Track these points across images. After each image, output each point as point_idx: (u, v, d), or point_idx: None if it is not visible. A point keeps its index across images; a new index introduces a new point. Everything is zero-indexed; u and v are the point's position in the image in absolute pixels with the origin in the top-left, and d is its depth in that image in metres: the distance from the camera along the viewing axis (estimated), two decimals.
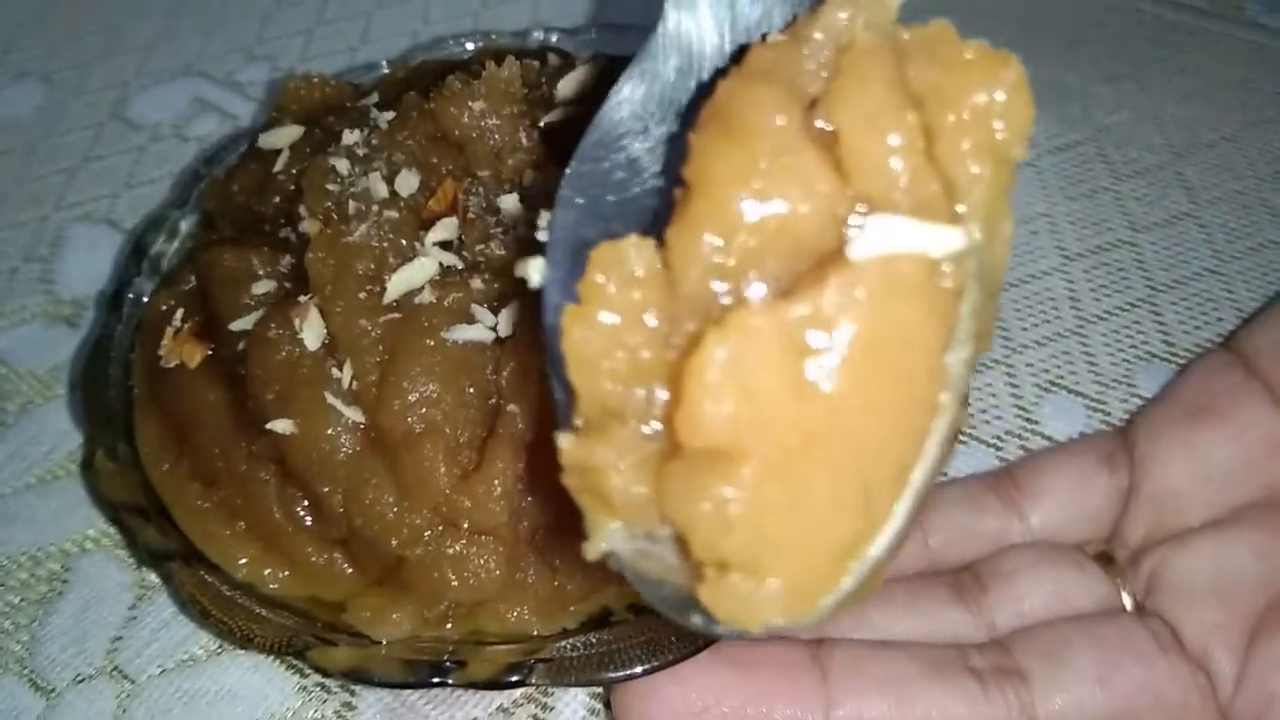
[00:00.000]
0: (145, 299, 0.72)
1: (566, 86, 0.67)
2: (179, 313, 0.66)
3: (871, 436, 0.35)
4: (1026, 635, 0.54)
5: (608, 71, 0.69)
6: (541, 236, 0.43)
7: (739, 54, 0.40)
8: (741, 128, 0.36)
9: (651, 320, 0.37)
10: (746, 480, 0.34)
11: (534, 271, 0.41)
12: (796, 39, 0.38)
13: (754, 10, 0.45)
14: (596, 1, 1.08)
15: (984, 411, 0.71)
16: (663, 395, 0.37)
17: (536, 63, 0.72)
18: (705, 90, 0.43)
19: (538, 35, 0.88)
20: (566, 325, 0.37)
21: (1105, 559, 0.58)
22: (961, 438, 0.69)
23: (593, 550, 0.38)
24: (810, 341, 0.34)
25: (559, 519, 0.57)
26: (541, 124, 0.66)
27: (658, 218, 0.40)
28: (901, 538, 0.37)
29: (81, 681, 0.63)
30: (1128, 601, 0.56)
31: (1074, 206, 0.85)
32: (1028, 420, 0.71)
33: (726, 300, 0.36)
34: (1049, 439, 0.70)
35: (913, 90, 0.36)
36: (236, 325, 0.61)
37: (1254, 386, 0.59)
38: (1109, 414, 0.71)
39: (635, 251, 0.37)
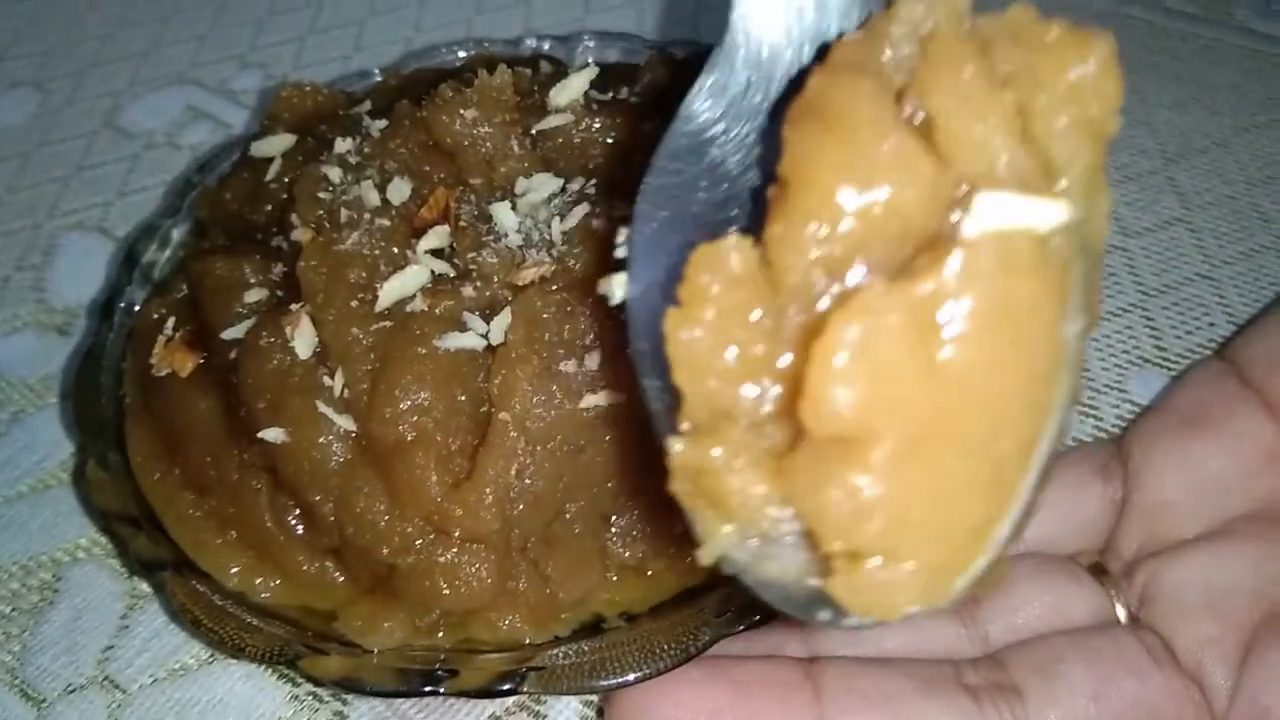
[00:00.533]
0: (137, 308, 0.72)
1: (559, 94, 0.67)
2: (170, 321, 0.66)
3: (1000, 412, 0.35)
4: (1020, 650, 0.54)
5: (600, 80, 0.69)
6: (620, 253, 0.44)
7: (818, 56, 0.41)
8: (839, 119, 0.36)
9: (756, 316, 0.37)
10: (879, 464, 0.33)
11: (616, 288, 0.42)
12: (875, 35, 0.39)
13: (822, 18, 0.46)
14: (590, 9, 1.08)
15: None
16: (774, 391, 0.37)
17: (529, 70, 0.72)
18: (785, 94, 0.44)
19: (530, 43, 0.88)
20: (670, 330, 0.37)
21: (1099, 570, 0.58)
22: None
23: (708, 556, 0.38)
24: (935, 320, 0.33)
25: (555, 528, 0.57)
26: (534, 132, 0.66)
27: (747, 220, 0.41)
28: (1028, 514, 0.37)
29: (73, 691, 0.62)
30: (1122, 613, 0.56)
31: None
32: None
33: (834, 290, 0.36)
34: None
35: (1001, 72, 0.36)
36: (228, 334, 0.62)
37: (1247, 397, 0.59)
38: (1101, 419, 0.71)
39: (735, 250, 0.37)
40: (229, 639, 0.56)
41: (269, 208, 0.68)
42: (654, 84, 0.73)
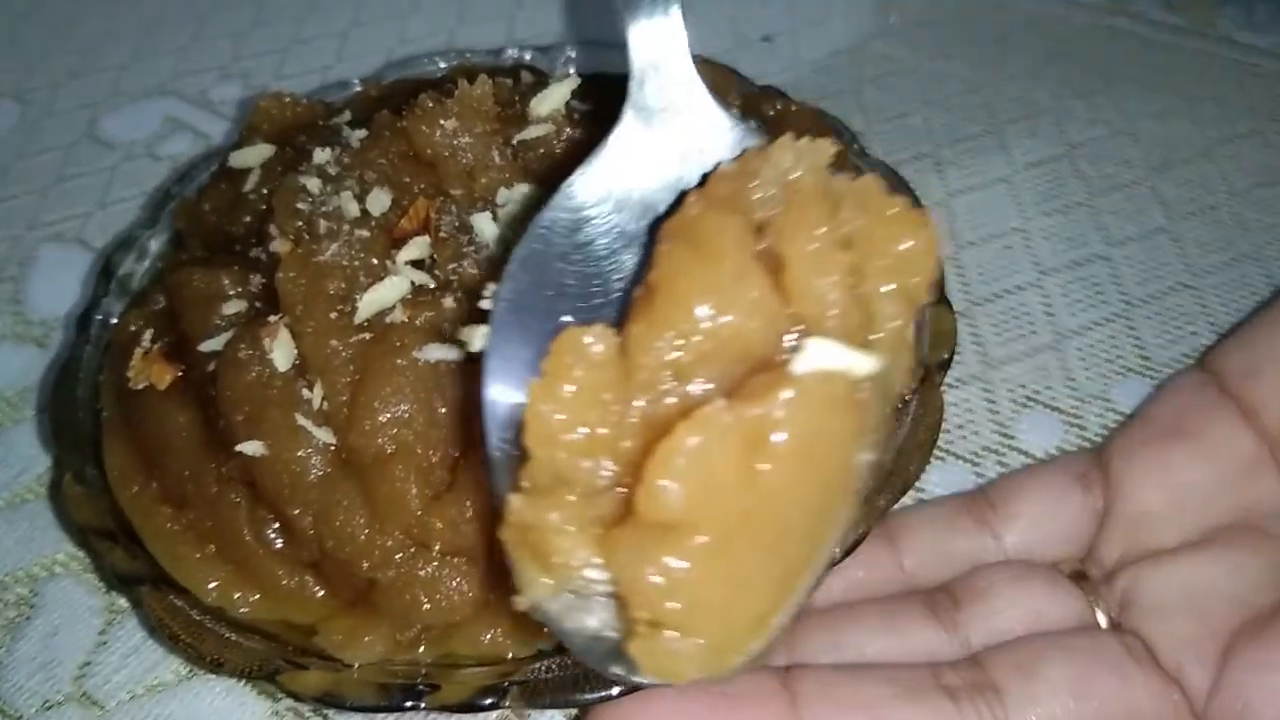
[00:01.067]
0: (115, 320, 0.71)
1: (540, 104, 0.67)
2: (148, 333, 0.66)
3: (795, 524, 0.41)
4: (1000, 650, 0.54)
5: (582, 90, 0.69)
6: (486, 305, 0.49)
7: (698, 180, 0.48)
8: (708, 249, 0.42)
9: (607, 400, 0.41)
10: (693, 553, 0.39)
11: (477, 339, 0.48)
12: (747, 171, 0.45)
13: (698, 141, 0.53)
14: (572, 19, 1.08)
15: (960, 427, 0.71)
16: (609, 468, 0.41)
17: (510, 80, 0.72)
18: (658, 206, 0.51)
19: (512, 53, 0.88)
20: (532, 399, 0.41)
21: (1080, 577, 0.58)
22: (939, 453, 0.69)
23: (524, 603, 0.42)
24: (759, 439, 0.39)
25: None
26: (515, 142, 0.66)
27: (609, 305, 0.49)
28: (800, 607, 0.43)
29: (50, 708, 0.62)
30: (1102, 619, 0.56)
31: (1049, 222, 0.85)
32: (1004, 435, 0.71)
33: (679, 391, 0.42)
34: (1026, 454, 0.69)
35: (844, 232, 0.43)
36: (206, 346, 0.61)
37: (1227, 406, 0.59)
38: (1085, 429, 0.71)
39: (599, 339, 0.41)
40: (208, 654, 0.55)
41: (248, 219, 0.68)
42: None
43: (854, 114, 0.94)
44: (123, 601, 0.65)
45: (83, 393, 0.68)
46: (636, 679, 0.42)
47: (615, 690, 0.53)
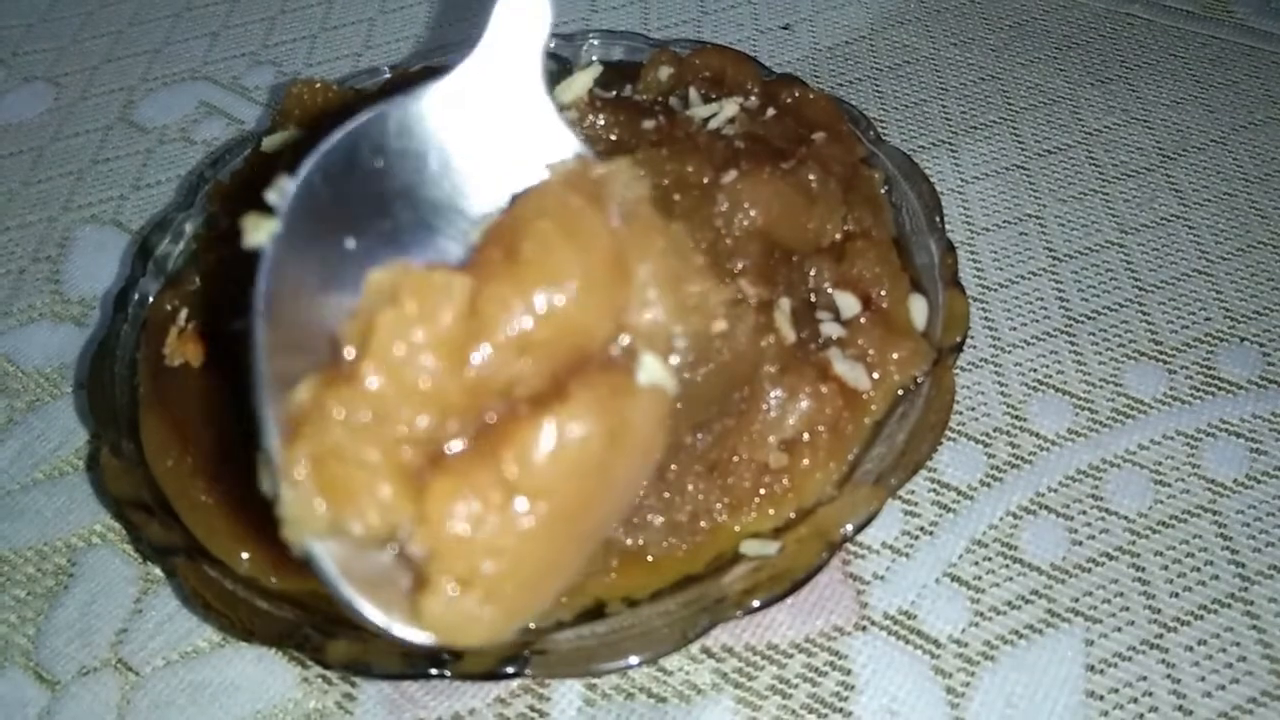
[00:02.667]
0: (150, 299, 0.73)
1: (564, 93, 0.68)
2: (183, 312, 0.68)
3: (609, 513, 0.45)
4: None
5: (604, 78, 0.70)
6: (273, 199, 0.45)
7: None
8: (586, 243, 0.44)
9: (449, 352, 0.41)
10: (521, 521, 0.40)
11: (260, 232, 0.43)
12: (595, 178, 0.47)
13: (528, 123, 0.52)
14: (596, 7, 1.09)
15: (972, 409, 0.72)
16: (427, 420, 0.41)
17: None
18: (473, 168, 0.50)
19: None
20: (384, 323, 0.41)
21: None
22: (951, 433, 0.71)
23: (292, 536, 0.41)
24: (614, 436, 0.42)
25: None
26: None
27: (390, 243, 0.47)
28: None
29: (86, 674, 0.64)
30: None
31: (1063, 209, 0.86)
32: (1015, 417, 0.72)
33: (516, 365, 0.42)
34: (1037, 435, 0.71)
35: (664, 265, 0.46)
36: (239, 325, 0.62)
37: None
38: (1096, 412, 0.72)
39: (459, 288, 0.42)
40: (240, 623, 0.57)
41: None
42: (657, 82, 0.74)
43: (871, 101, 0.95)
44: (158, 571, 0.67)
45: (120, 369, 0.70)
46: (407, 634, 0.41)
47: (634, 659, 0.54)
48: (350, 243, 0.46)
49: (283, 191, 0.45)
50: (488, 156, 0.50)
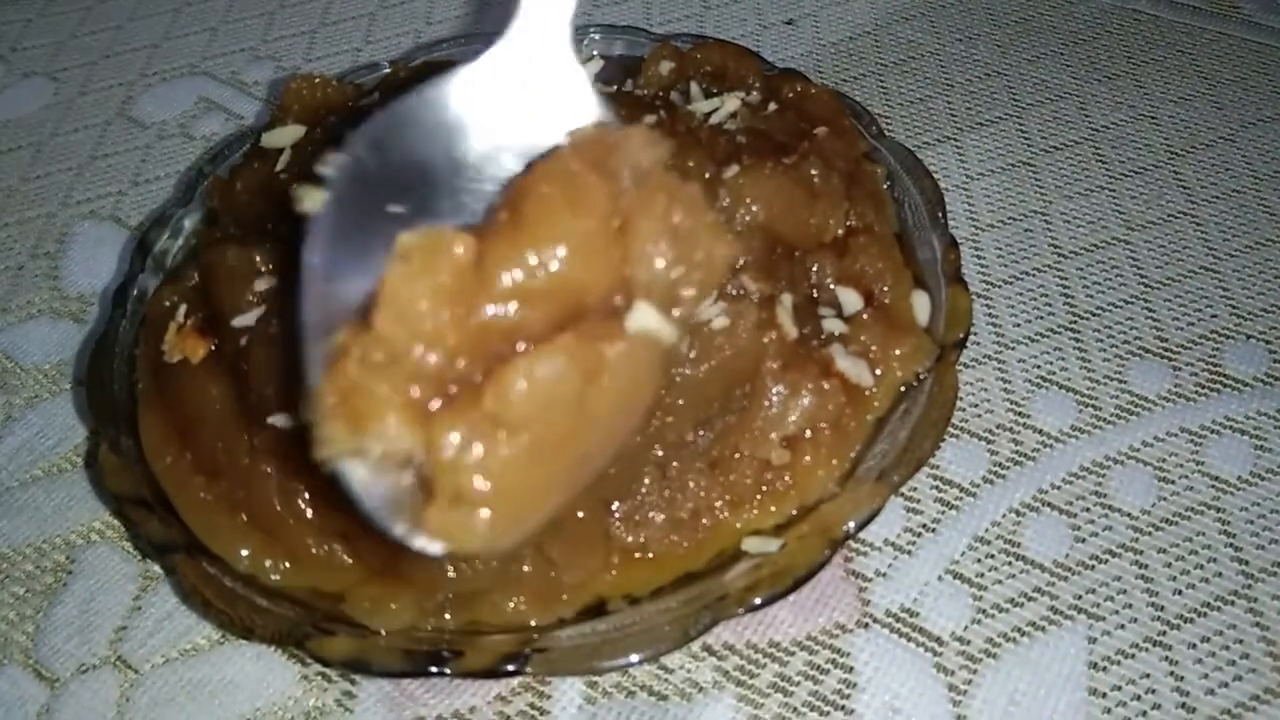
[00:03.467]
0: (149, 295, 0.73)
1: None
2: (182, 309, 0.68)
3: (594, 445, 0.48)
4: None
5: (605, 72, 0.70)
6: (326, 170, 0.50)
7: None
8: (583, 205, 0.47)
9: (456, 302, 0.46)
10: (515, 448, 0.45)
11: (312, 200, 0.49)
12: (609, 143, 0.49)
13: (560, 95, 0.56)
14: (597, 2, 1.09)
15: (975, 405, 0.72)
16: (434, 359, 0.45)
17: None
18: (502, 140, 0.54)
19: None
20: (396, 278, 0.45)
21: None
22: (954, 430, 0.70)
23: (321, 455, 0.46)
24: (596, 374, 0.46)
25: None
26: None
27: (429, 209, 0.51)
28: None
29: (85, 671, 0.64)
30: None
31: (1069, 205, 0.85)
32: (1019, 414, 0.72)
33: (518, 313, 0.46)
34: (1040, 432, 0.71)
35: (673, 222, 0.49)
36: (239, 321, 0.63)
37: None
38: (1099, 408, 0.71)
39: (465, 245, 0.46)
40: (239, 620, 0.57)
41: (279, 197, 0.69)
42: (658, 76, 0.74)
43: (876, 97, 0.95)
44: (156, 568, 0.67)
45: (119, 366, 0.70)
46: (417, 542, 0.47)
47: (634, 657, 0.54)
48: (391, 209, 0.51)
49: (331, 163, 0.50)
50: (521, 126, 0.54)
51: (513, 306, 0.46)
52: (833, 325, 0.64)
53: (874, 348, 0.64)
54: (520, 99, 0.55)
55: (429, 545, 0.46)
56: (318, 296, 0.48)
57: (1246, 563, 0.64)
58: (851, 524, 0.58)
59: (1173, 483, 0.68)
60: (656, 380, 0.50)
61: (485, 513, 0.45)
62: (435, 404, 0.46)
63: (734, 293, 0.60)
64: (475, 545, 0.46)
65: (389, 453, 0.45)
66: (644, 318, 0.47)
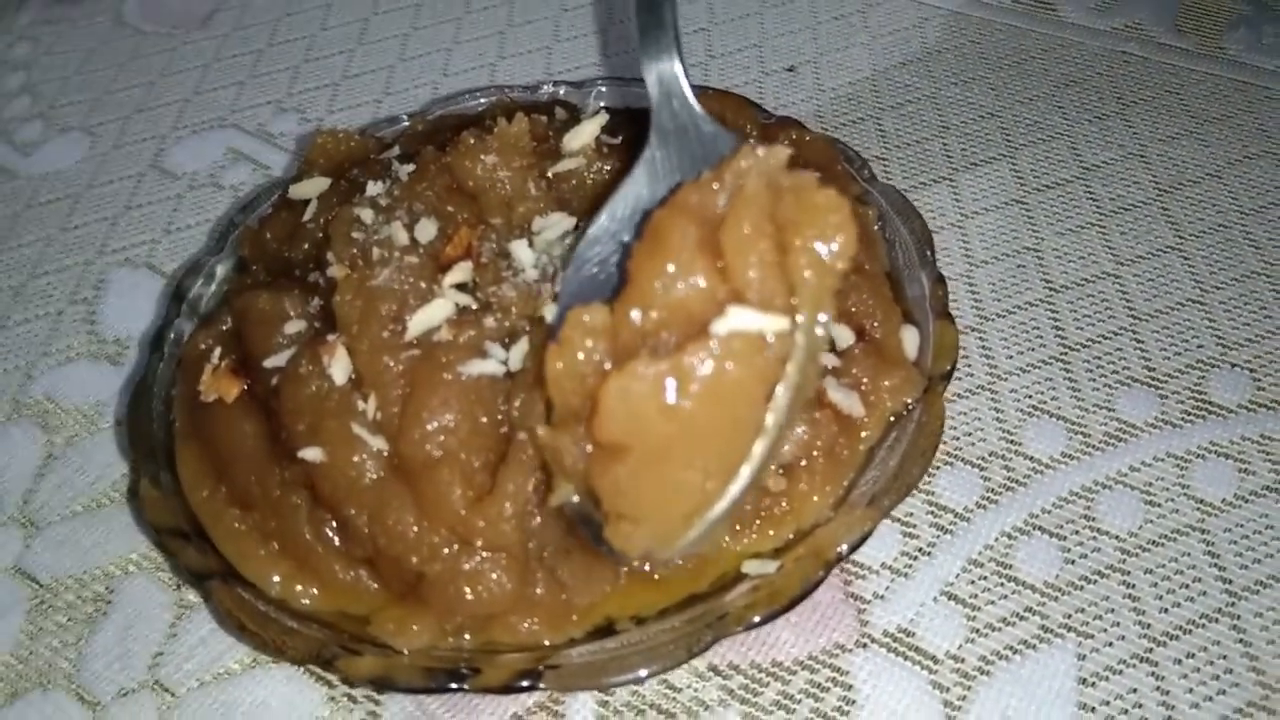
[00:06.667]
0: (185, 339, 0.76)
1: (573, 140, 0.72)
2: (216, 351, 0.71)
3: (713, 443, 0.55)
4: None
5: (610, 124, 0.73)
6: (557, 288, 0.64)
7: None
8: (663, 246, 0.56)
9: (600, 358, 0.56)
10: (630, 464, 0.54)
11: (549, 313, 0.62)
12: (715, 176, 0.57)
13: (702, 152, 0.65)
14: (606, 54, 1.13)
15: (969, 434, 0.75)
16: None
17: (544, 117, 0.76)
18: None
19: (547, 89, 0.92)
20: (549, 359, 0.56)
21: None
22: (948, 457, 0.73)
23: (555, 500, 0.58)
24: (684, 381, 0.53)
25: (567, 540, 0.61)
26: (549, 174, 0.71)
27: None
28: (735, 509, 0.56)
29: (125, 695, 0.67)
30: None
31: (1060, 241, 0.88)
32: (1010, 442, 0.74)
33: (647, 346, 0.55)
34: (1031, 459, 0.73)
35: (779, 218, 0.55)
36: (270, 362, 0.66)
37: None
38: (1089, 435, 0.74)
39: (595, 314, 0.56)
40: (272, 641, 0.60)
41: (306, 246, 0.73)
42: None
43: (874, 140, 0.98)
44: (192, 596, 0.70)
45: (157, 405, 0.73)
46: (613, 554, 0.57)
47: (642, 673, 0.57)
48: (597, 277, 0.63)
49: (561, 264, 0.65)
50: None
51: (642, 344, 0.55)
52: (826, 359, 0.67)
53: (865, 380, 0.67)
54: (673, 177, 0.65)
55: (619, 557, 0.58)
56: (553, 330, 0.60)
57: (1230, 582, 0.66)
58: (845, 546, 0.61)
59: (1159, 506, 0.70)
60: (762, 365, 0.54)
61: (641, 526, 0.55)
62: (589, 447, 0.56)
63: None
64: (641, 551, 0.56)
65: (578, 490, 0.57)
66: (734, 319, 0.53)
